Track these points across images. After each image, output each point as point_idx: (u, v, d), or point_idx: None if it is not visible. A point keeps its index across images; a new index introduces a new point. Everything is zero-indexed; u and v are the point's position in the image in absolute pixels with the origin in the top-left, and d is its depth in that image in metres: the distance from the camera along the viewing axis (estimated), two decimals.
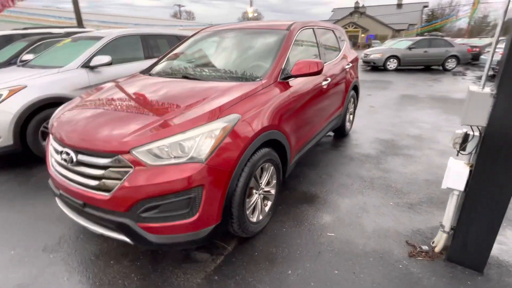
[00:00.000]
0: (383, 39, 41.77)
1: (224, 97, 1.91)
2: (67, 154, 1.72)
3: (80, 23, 11.62)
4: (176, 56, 3.00)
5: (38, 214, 2.49)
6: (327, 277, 1.79)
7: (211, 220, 1.69)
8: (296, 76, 2.34)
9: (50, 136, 1.98)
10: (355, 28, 44.77)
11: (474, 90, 1.57)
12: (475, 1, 23.81)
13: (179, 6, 52.12)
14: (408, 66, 12.79)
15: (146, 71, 2.85)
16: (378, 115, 5.49)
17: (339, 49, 3.78)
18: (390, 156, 3.59)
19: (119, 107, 1.95)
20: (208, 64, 2.69)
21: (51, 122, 2.06)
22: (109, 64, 3.79)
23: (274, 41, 2.59)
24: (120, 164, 1.57)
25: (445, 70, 12.40)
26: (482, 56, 10.69)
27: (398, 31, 45.93)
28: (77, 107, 2.10)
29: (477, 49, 14.15)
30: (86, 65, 3.75)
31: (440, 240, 1.95)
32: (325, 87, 2.98)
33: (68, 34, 5.97)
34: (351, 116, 4.45)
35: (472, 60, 13.15)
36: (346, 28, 45.48)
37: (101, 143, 1.61)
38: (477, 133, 1.68)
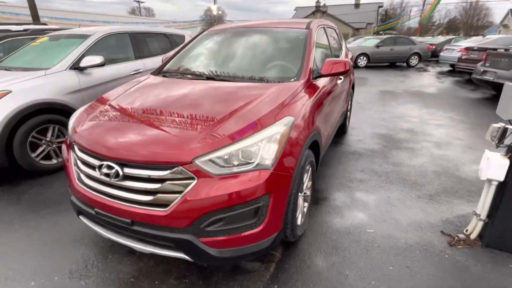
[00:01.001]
0: (344, 37, 43.65)
1: (270, 99, 1.84)
2: (109, 167, 1.53)
3: (36, 19, 10.54)
4: (190, 56, 2.83)
5: (47, 236, 2.21)
6: (384, 274, 1.81)
7: (275, 228, 1.62)
8: (326, 76, 2.33)
9: (75, 148, 1.75)
10: None
11: None
12: (434, 2, 25.78)
13: (139, 2, 49.53)
14: (376, 63, 13.51)
15: (160, 72, 2.65)
16: (367, 111, 5.72)
17: (341, 47, 3.86)
18: (394, 150, 3.76)
19: (161, 113, 1.78)
20: (231, 64, 2.57)
21: (72, 132, 1.83)
22: (101, 65, 3.47)
23: (297, 40, 2.56)
24: (181, 176, 1.44)
25: (409, 66, 13.31)
26: (441, 54, 11.63)
27: (358, 29, 48.32)
28: (104, 114, 1.89)
29: (433, 47, 15.37)
30: (76, 67, 3.39)
31: (475, 228, 2.07)
32: (339, 85, 3.02)
33: (33, 32, 5.36)
34: (349, 113, 4.58)
35: (431, 57, 14.24)
36: None
37: (157, 154, 1.46)
38: None
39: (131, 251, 2.03)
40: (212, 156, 1.45)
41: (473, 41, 11.48)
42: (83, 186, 1.70)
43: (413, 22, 58.17)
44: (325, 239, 2.12)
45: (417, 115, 5.40)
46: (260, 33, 2.79)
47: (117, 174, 1.51)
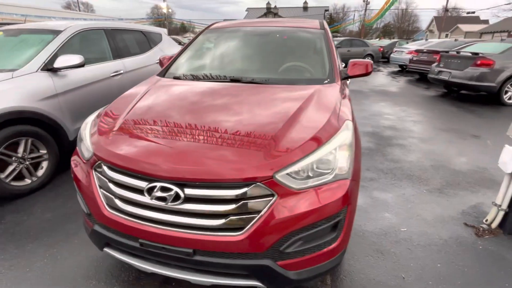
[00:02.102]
0: None
1: (320, 102, 1.73)
2: (165, 189, 1.27)
3: None
4: (203, 56, 2.57)
5: (47, 276, 1.80)
6: (436, 272, 1.84)
7: (347, 239, 1.52)
8: (352, 77, 2.30)
9: (104, 168, 1.43)
10: None
11: None
12: (382, 8, 27.99)
13: None
14: None
15: (166, 74, 2.36)
16: None
17: None
18: (388, 147, 3.93)
19: (211, 122, 1.55)
20: (253, 65, 2.39)
21: (95, 148, 1.49)
22: (81, 65, 2.99)
23: (317, 40, 2.49)
24: (259, 194, 1.25)
25: None
26: (392, 55, 12.70)
27: None
28: (137, 125, 1.58)
29: (381, 49, 16.74)
30: (49, 68, 2.87)
31: (496, 218, 2.23)
32: None
33: None
34: None
35: (382, 58, 15.48)
36: None
37: (231, 170, 1.25)
38: None
39: (165, 281, 1.76)
40: (292, 169, 1.29)
41: (417, 44, 12.77)
42: (118, 214, 1.40)
43: (354, 26, 62.97)
44: (366, 243, 2.09)
45: (392, 112, 5.76)
46: (276, 33, 2.66)
47: (175, 197, 1.27)
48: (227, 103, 1.77)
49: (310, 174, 1.34)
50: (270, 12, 48.77)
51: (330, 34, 2.57)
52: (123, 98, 1.99)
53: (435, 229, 2.26)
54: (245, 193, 1.24)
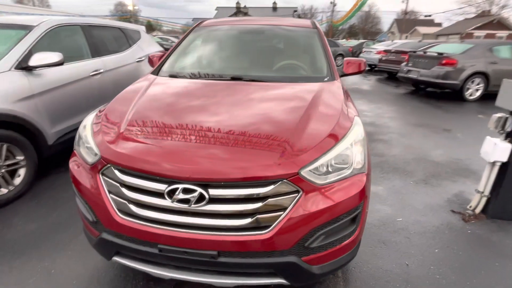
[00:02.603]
0: None
1: (328, 98, 1.77)
2: (188, 191, 1.23)
3: None
4: (197, 54, 2.50)
5: None
6: (435, 257, 1.96)
7: (362, 233, 1.57)
8: (347, 75, 2.38)
9: (115, 171, 1.34)
10: None
11: None
12: (351, 9, 28.98)
13: None
14: None
15: (164, 73, 2.27)
16: None
17: None
18: (371, 142, 4.11)
19: (226, 120, 1.52)
20: (250, 63, 2.36)
21: (104, 151, 1.39)
22: (59, 64, 2.77)
23: (312, 39, 2.53)
24: (285, 191, 1.25)
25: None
26: (361, 55, 13.29)
27: None
28: (146, 125, 1.51)
29: (351, 49, 17.45)
30: (23, 66, 2.63)
31: (479, 204, 2.43)
32: None
33: None
34: None
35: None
36: None
37: (257, 168, 1.23)
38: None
39: (177, 286, 1.69)
40: (315, 165, 1.30)
41: (384, 45, 13.48)
42: (132, 219, 1.32)
43: (322, 27, 64.99)
44: (368, 234, 2.17)
45: (369, 109, 6.03)
46: (270, 31, 2.66)
47: (199, 199, 1.22)
48: (236, 101, 1.75)
49: (330, 170, 1.36)
50: (240, 11, 48.71)
51: (323, 33, 2.62)
52: (122, 97, 1.88)
53: (427, 217, 2.40)
54: (271, 190, 1.23)
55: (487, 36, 30.17)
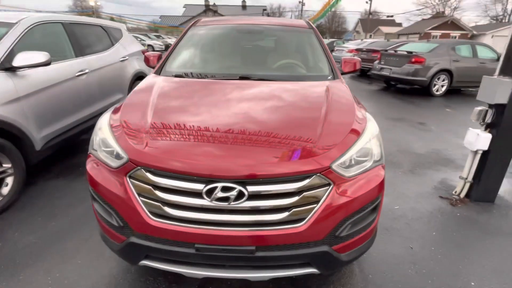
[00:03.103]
0: None
1: (339, 96, 1.86)
2: (226, 189, 1.25)
3: None
4: (198, 53, 2.48)
5: None
6: (435, 240, 2.15)
7: (378, 221, 1.68)
8: (346, 73, 2.50)
9: (146, 174, 1.32)
10: None
11: (499, 79, 2.26)
12: (324, 7, 29.64)
13: None
14: None
15: (167, 73, 2.23)
16: None
17: None
18: None
19: (251, 118, 1.57)
20: (252, 63, 2.39)
21: (133, 153, 1.36)
22: (47, 64, 2.61)
23: (311, 39, 2.61)
24: (318, 184, 1.32)
25: None
26: (334, 54, 13.75)
27: None
28: (171, 125, 1.50)
29: None
30: (6, 67, 2.44)
31: (463, 189, 2.68)
32: None
33: None
34: None
35: None
36: None
37: (294, 164, 1.28)
38: (489, 108, 2.43)
39: (202, 285, 1.70)
40: (343, 159, 1.38)
41: (354, 44, 14.08)
42: (167, 221, 1.32)
43: None
44: None
45: None
46: (270, 30, 2.71)
47: (242, 195, 1.25)
48: (254, 99, 1.78)
49: (354, 163, 1.45)
50: (209, 9, 48.11)
51: (319, 33, 2.73)
52: (136, 98, 1.83)
53: (421, 204, 2.61)
54: (306, 184, 1.30)
55: (443, 35, 32.62)
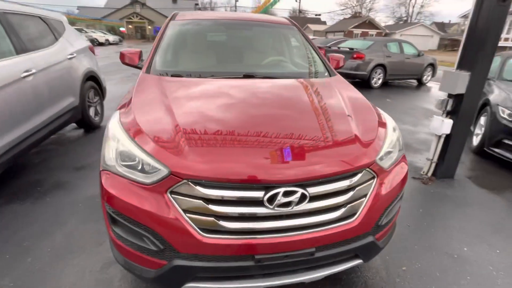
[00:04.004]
0: None
1: (349, 92, 1.95)
2: (287, 194, 1.20)
3: None
4: (187, 51, 2.28)
5: None
6: (422, 215, 2.43)
7: None
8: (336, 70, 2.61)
9: (195, 187, 1.17)
10: (140, 19, 43.36)
11: (458, 72, 2.64)
12: (262, 5, 29.82)
13: None
14: None
15: (160, 72, 2.00)
16: None
17: None
18: None
19: (284, 117, 1.55)
20: (247, 60, 2.30)
21: (177, 166, 1.19)
22: None
23: (296, 36, 2.64)
24: (366, 178, 1.36)
25: None
26: None
27: None
28: (208, 131, 1.36)
29: None
30: None
31: (430, 169, 3.08)
32: None
33: None
34: None
35: None
36: (130, 18, 43.06)
37: (346, 162, 1.29)
38: (449, 98, 2.83)
39: None
40: (384, 151, 1.46)
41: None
42: (221, 236, 1.21)
43: None
44: None
45: None
46: (258, 27, 2.64)
47: (304, 198, 1.22)
48: (274, 98, 1.74)
49: (387, 155, 1.54)
50: (136, 1, 44.58)
51: (302, 30, 2.78)
52: (147, 102, 1.60)
53: None
54: (358, 180, 1.33)
55: (363, 33, 36.55)
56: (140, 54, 2.31)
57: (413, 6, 52.13)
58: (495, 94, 3.63)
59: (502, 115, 3.30)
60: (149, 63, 2.09)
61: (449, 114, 2.88)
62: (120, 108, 1.60)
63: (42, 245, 1.95)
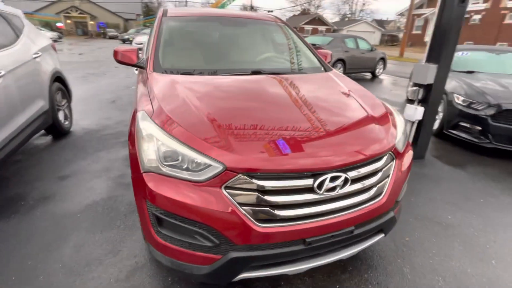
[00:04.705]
0: (115, 27, 40.64)
1: (350, 84, 2.12)
2: (333, 179, 1.31)
3: None
4: (187, 48, 2.24)
5: None
6: (412, 192, 2.73)
7: None
8: None
9: (252, 180, 1.22)
10: (80, 14, 39.72)
11: (428, 65, 3.01)
12: (216, 3, 29.06)
13: None
14: None
15: (168, 70, 1.96)
16: None
17: None
18: None
19: (311, 111, 1.62)
20: (249, 57, 2.34)
21: (233, 161, 1.22)
22: None
23: (287, 32, 2.75)
24: (389, 160, 1.53)
25: None
26: None
27: (127, 20, 46.45)
28: (245, 125, 1.39)
29: None
30: None
31: None
32: None
33: None
34: None
35: None
36: (68, 13, 39.23)
37: (376, 146, 1.45)
38: (420, 88, 3.20)
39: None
40: (399, 135, 1.64)
41: None
42: (276, 224, 1.28)
43: None
44: None
45: None
46: (251, 24, 2.68)
47: (346, 182, 1.34)
48: (293, 92, 1.83)
49: (399, 139, 1.73)
50: None
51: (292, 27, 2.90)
52: (167, 99, 1.57)
53: None
54: (385, 162, 1.49)
55: (313, 30, 38.20)
56: (138, 52, 2.22)
57: (356, 4, 55.95)
58: (449, 83, 4.16)
59: (457, 101, 3.82)
60: (153, 61, 2.03)
61: (420, 102, 3.26)
62: (142, 109, 1.55)
63: (49, 261, 1.79)
